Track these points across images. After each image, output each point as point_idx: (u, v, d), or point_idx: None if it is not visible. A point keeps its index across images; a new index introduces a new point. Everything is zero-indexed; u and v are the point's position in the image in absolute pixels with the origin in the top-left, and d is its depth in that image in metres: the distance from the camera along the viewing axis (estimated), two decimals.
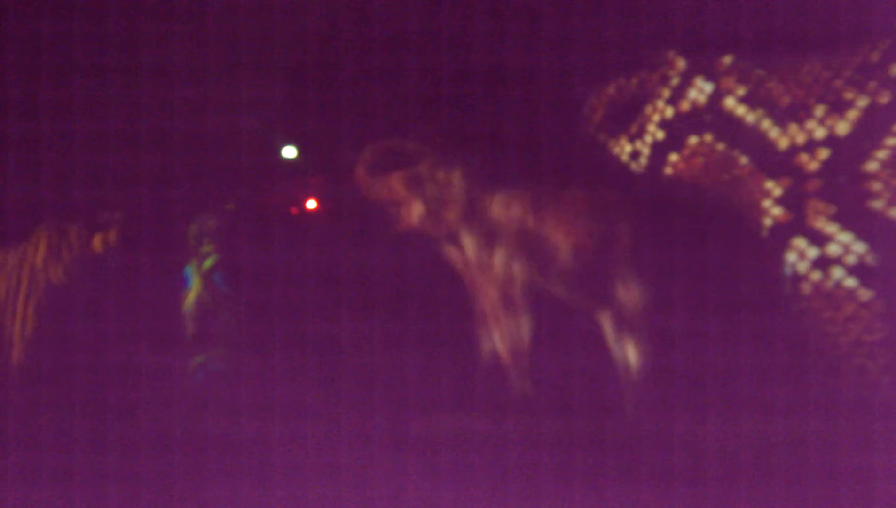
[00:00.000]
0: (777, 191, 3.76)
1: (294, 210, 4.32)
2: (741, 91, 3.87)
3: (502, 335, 3.87)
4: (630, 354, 3.77)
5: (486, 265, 3.90)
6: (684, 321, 3.68)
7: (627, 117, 4.09)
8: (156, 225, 4.05)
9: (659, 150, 4.00)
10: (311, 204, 4.33)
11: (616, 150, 4.10)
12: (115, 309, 3.94)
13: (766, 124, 3.80)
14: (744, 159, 3.83)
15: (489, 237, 3.90)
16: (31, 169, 4.16)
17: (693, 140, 3.93)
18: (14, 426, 3.60)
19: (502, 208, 3.90)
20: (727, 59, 3.91)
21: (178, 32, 4.16)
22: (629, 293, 3.77)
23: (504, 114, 4.10)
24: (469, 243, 3.93)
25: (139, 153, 4.06)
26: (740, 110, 3.85)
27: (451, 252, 4.00)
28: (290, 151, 4.40)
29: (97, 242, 4.00)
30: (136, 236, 4.02)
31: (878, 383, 3.54)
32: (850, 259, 3.61)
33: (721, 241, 3.77)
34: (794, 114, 3.76)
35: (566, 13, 4.12)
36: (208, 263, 4.01)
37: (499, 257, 3.88)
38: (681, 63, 3.99)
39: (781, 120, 3.78)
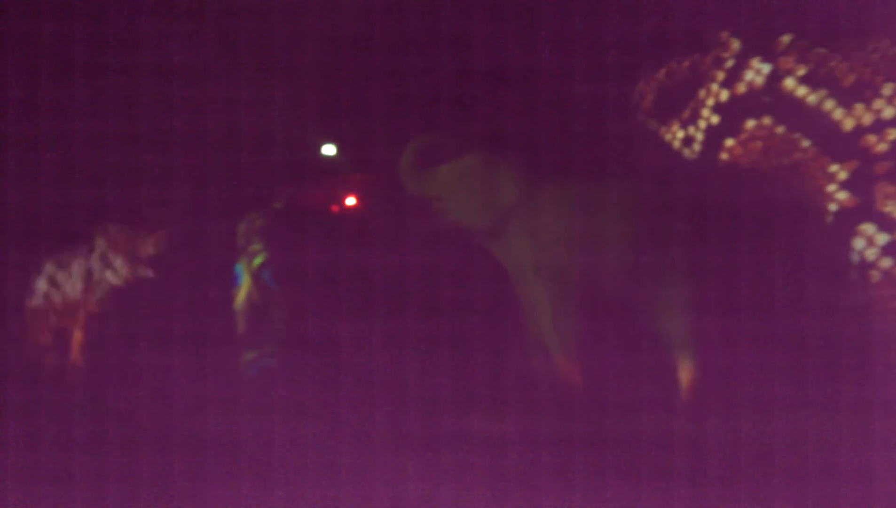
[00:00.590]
0: (842, 175, 3.65)
1: (334, 208, 4.34)
2: (801, 71, 3.75)
3: (547, 333, 3.80)
4: (682, 353, 3.68)
5: (531, 262, 3.84)
6: (746, 321, 3.60)
7: (679, 103, 3.98)
8: (207, 225, 4.11)
9: (714, 135, 3.89)
10: (351, 201, 4.35)
11: (667, 137, 4.01)
12: (174, 308, 4.00)
13: (830, 105, 3.68)
14: (806, 142, 3.73)
15: (534, 233, 3.84)
16: (31, 169, 4.17)
17: (750, 124, 3.81)
18: (81, 426, 3.61)
19: (548, 203, 3.85)
20: (785, 39, 3.80)
21: (206, 32, 4.19)
22: (684, 290, 3.69)
23: (543, 108, 4.06)
24: (514, 239, 3.87)
25: (198, 154, 4.12)
26: (801, 91, 3.74)
27: (493, 248, 3.97)
28: (329, 149, 4.42)
29: (152, 243, 4.06)
30: (189, 236, 4.09)
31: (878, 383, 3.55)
32: None
33: (783, 229, 3.68)
34: (859, 93, 3.66)
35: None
36: (257, 261, 4.05)
37: (544, 253, 3.81)
38: (735, 44, 3.87)
39: (846, 100, 3.67)
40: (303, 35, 4.27)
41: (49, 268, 4.19)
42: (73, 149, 4.07)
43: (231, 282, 4.12)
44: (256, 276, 4.06)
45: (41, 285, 4.18)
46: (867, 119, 3.65)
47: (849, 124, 3.66)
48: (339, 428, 3.64)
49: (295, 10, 4.25)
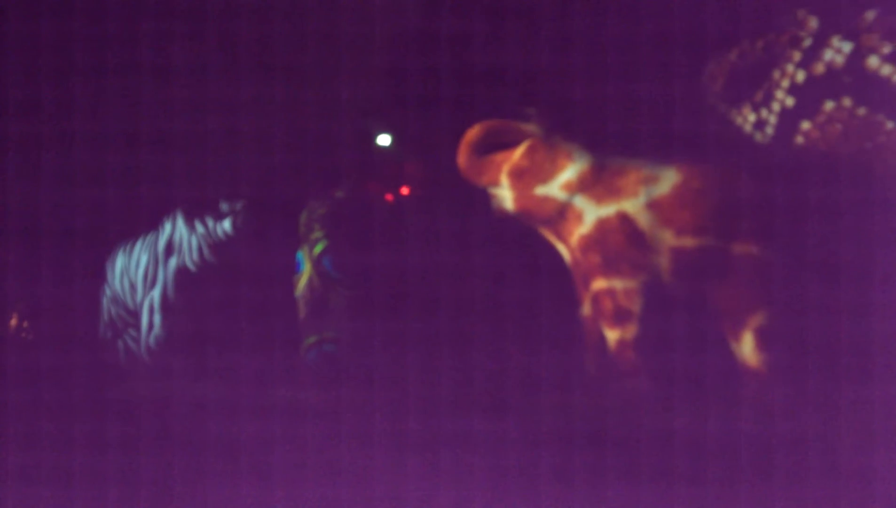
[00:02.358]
0: None
1: (389, 197, 4.36)
2: (886, 49, 3.59)
3: (608, 327, 3.72)
4: (748, 352, 3.58)
5: (593, 251, 3.74)
6: (819, 320, 3.53)
7: (752, 84, 3.83)
8: (273, 213, 4.18)
9: (788, 117, 3.73)
10: (405, 191, 4.37)
11: (739, 120, 3.86)
12: (243, 295, 4.05)
13: None
14: (890, 124, 3.59)
15: (599, 221, 3.74)
16: (32, 168, 4.17)
17: (829, 105, 3.65)
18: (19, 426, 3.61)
19: (611, 190, 3.75)
20: (869, 15, 3.63)
21: (277, 29, 4.24)
22: (752, 280, 3.57)
23: (607, 89, 4.01)
24: (575, 227, 3.79)
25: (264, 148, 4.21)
26: (886, 70, 3.58)
27: (552, 239, 3.89)
28: (385, 140, 4.44)
29: (221, 230, 4.14)
30: (256, 223, 4.16)
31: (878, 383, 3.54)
32: None
33: (864, 217, 3.57)
34: None
35: None
36: (318, 248, 4.10)
37: (609, 242, 3.71)
38: (813, 22, 3.73)
39: None
40: (367, 31, 4.31)
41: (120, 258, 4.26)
42: (73, 149, 4.08)
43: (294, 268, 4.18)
44: (317, 263, 4.11)
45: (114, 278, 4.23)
46: None
47: None
48: (338, 428, 3.64)
49: (361, 6, 4.31)
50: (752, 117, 3.84)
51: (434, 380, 3.83)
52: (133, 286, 4.24)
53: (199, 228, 4.16)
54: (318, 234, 4.16)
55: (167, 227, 4.24)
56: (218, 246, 4.16)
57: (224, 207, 4.17)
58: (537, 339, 3.90)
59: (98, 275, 4.28)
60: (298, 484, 3.37)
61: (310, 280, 4.17)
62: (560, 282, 3.88)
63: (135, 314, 4.24)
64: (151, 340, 4.17)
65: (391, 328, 4.01)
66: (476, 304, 4.02)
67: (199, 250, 4.16)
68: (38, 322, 4.19)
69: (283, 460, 3.50)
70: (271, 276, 4.17)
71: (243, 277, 4.12)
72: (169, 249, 4.20)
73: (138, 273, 4.24)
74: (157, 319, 4.16)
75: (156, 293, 4.18)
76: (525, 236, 3.99)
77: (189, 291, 4.18)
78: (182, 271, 4.18)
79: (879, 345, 3.53)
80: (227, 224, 4.14)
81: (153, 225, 4.28)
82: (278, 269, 4.20)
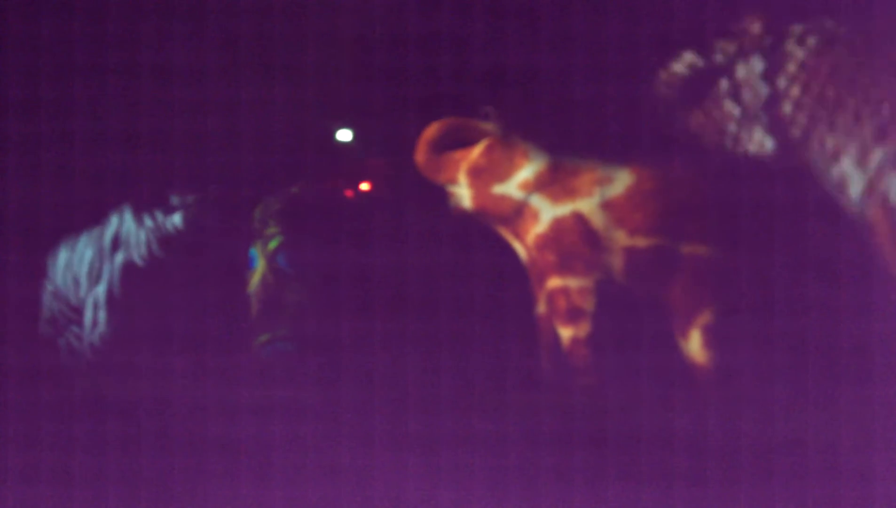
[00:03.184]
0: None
1: (349, 193, 4.35)
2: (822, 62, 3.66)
3: (562, 325, 3.80)
4: (695, 349, 3.68)
5: (549, 250, 3.83)
6: (784, 320, 3.61)
7: (702, 89, 3.90)
8: (224, 208, 4.12)
9: (736, 122, 3.82)
10: (365, 187, 4.35)
11: (692, 124, 3.93)
12: (186, 288, 4.02)
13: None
14: (827, 126, 3.63)
15: (555, 221, 3.83)
16: (31, 168, 4.17)
17: (770, 110, 3.74)
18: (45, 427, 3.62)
19: (567, 190, 3.83)
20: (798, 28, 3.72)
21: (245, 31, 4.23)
22: (700, 279, 3.68)
23: (570, 90, 4.05)
24: (531, 226, 3.86)
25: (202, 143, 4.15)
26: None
27: (509, 237, 3.94)
28: (345, 135, 4.42)
29: (171, 224, 4.05)
30: (206, 218, 4.08)
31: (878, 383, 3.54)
32: None
33: (808, 217, 3.66)
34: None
35: None
36: (273, 244, 4.06)
37: (564, 241, 3.80)
38: (757, 28, 3.78)
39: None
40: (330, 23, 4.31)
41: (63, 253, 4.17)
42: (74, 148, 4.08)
43: (243, 272, 4.14)
44: (271, 259, 4.08)
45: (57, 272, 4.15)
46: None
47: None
48: (339, 428, 3.64)
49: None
50: (702, 121, 3.90)
51: (400, 378, 3.86)
52: (77, 282, 4.11)
53: (148, 222, 4.03)
54: (272, 229, 4.11)
55: (114, 220, 4.11)
56: (168, 241, 4.04)
57: (175, 200, 4.06)
58: (499, 337, 3.94)
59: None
60: (298, 484, 3.37)
61: (263, 277, 4.10)
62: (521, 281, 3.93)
63: (78, 311, 4.12)
64: (96, 337, 4.06)
65: (350, 327, 4.00)
66: (438, 302, 4.02)
67: (148, 244, 4.04)
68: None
69: (253, 460, 3.51)
70: (223, 272, 4.12)
71: (194, 273, 4.04)
72: (115, 243, 4.07)
73: (82, 268, 4.10)
74: (101, 315, 4.05)
75: (101, 289, 4.05)
76: (485, 234, 4.02)
77: (136, 286, 4.07)
78: (129, 266, 4.05)
79: (826, 343, 3.58)
80: (177, 218, 4.02)
81: (99, 220, 4.19)
82: (231, 265, 4.14)
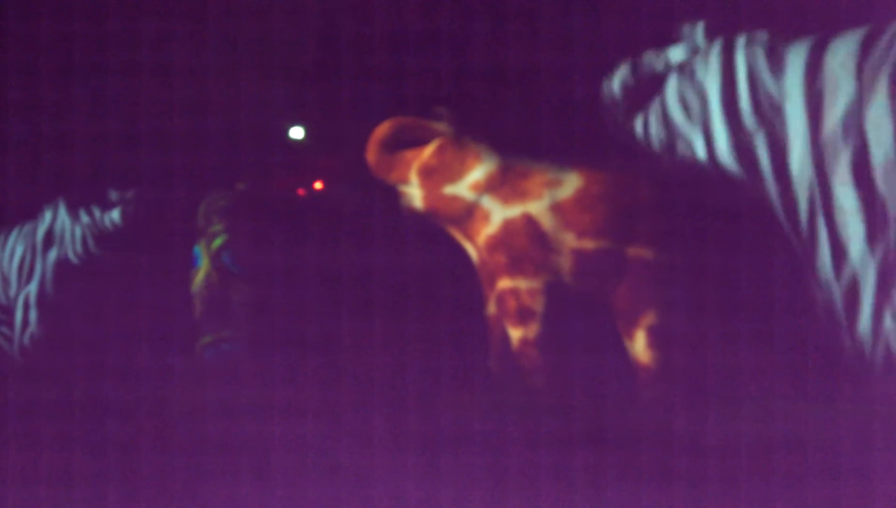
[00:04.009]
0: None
1: (301, 191, 4.32)
2: (764, 63, 3.71)
3: (512, 326, 3.84)
4: (640, 350, 3.76)
5: (499, 251, 3.87)
6: (715, 319, 3.68)
7: (647, 94, 3.99)
8: (165, 206, 4.08)
9: (680, 127, 3.90)
10: (318, 186, 4.33)
11: (636, 128, 4.02)
12: (123, 288, 3.96)
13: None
14: (766, 136, 3.70)
15: (506, 222, 3.87)
16: (31, 169, 4.16)
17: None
18: (14, 426, 3.61)
19: (517, 192, 3.87)
20: (745, 35, 3.77)
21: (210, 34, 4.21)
22: (644, 281, 3.77)
23: (513, 92, 4.09)
24: (482, 227, 3.90)
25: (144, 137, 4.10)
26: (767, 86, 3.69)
27: (460, 238, 3.98)
28: (296, 132, 4.40)
29: (109, 220, 3.97)
30: (149, 214, 4.04)
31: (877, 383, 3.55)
32: None
33: (753, 221, 3.71)
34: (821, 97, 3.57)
35: None
36: (217, 242, 4.02)
37: (514, 243, 3.85)
38: (699, 36, 3.88)
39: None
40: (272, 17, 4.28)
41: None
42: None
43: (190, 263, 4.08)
44: (216, 258, 4.01)
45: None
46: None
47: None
48: (339, 428, 3.64)
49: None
50: (645, 125, 3.99)
51: (334, 379, 3.87)
52: (6, 280, 4.00)
53: (84, 217, 3.90)
54: (217, 227, 4.05)
55: (47, 216, 3.98)
56: (105, 237, 3.93)
57: (113, 196, 3.95)
58: (435, 338, 3.95)
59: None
60: (298, 484, 3.37)
61: (207, 276, 4.05)
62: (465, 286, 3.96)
63: (8, 311, 4.01)
64: (26, 338, 3.96)
65: (295, 328, 3.99)
66: (379, 302, 4.03)
67: (84, 241, 3.90)
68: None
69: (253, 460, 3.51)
70: (164, 270, 4.07)
71: (133, 271, 3.96)
72: (48, 239, 3.94)
73: (12, 266, 3.99)
74: (32, 315, 3.95)
75: (32, 288, 3.94)
76: (436, 234, 4.02)
77: (70, 285, 3.96)
78: (63, 264, 3.94)
79: (771, 342, 3.67)
80: (115, 214, 3.91)
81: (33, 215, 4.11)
82: (173, 263, 4.07)
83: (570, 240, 3.82)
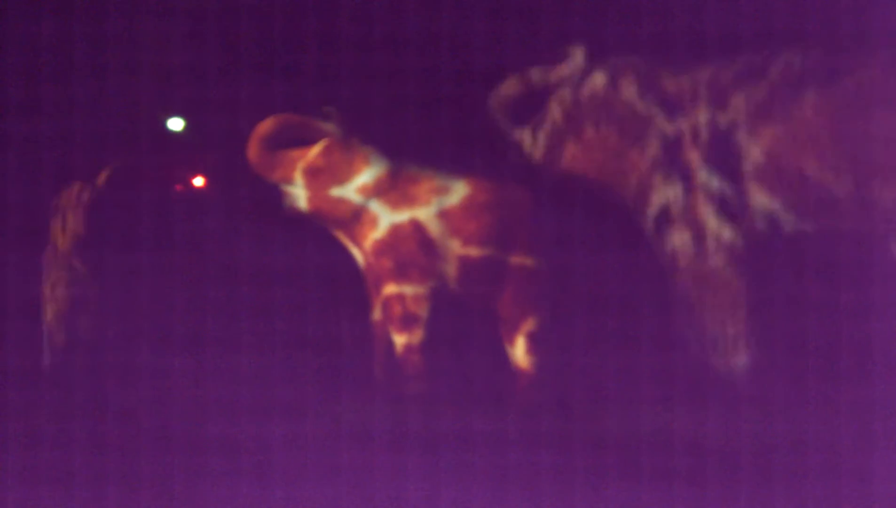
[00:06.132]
0: (664, 182, 3.86)
1: (179, 187, 4.25)
2: (633, 86, 3.94)
3: (396, 331, 3.88)
4: (520, 355, 3.86)
5: (386, 256, 3.89)
6: (583, 319, 3.83)
7: (531, 109, 4.11)
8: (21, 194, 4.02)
9: (559, 140, 4.06)
10: (199, 182, 4.26)
11: (520, 141, 4.14)
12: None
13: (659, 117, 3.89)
14: (634, 151, 3.92)
15: (393, 227, 3.89)
16: (31, 168, 4.16)
17: (590, 131, 4.00)
18: (14, 426, 3.61)
19: (406, 197, 3.90)
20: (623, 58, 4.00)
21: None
22: (525, 289, 3.86)
23: (408, 99, 4.12)
24: (369, 231, 3.90)
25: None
26: (637, 105, 3.93)
27: (346, 242, 3.97)
28: (176, 123, 4.33)
29: None
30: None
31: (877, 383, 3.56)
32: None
33: (615, 231, 3.89)
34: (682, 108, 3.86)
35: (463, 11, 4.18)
36: (68, 241, 3.94)
37: (401, 248, 3.88)
38: (579, 56, 4.05)
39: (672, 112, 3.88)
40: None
41: None
42: None
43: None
44: (66, 256, 3.95)
45: None
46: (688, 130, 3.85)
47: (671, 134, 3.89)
48: (339, 428, 3.64)
49: None
50: (530, 139, 4.12)
51: (200, 381, 3.86)
52: None
53: None
54: (70, 221, 3.97)
55: None
56: None
57: None
58: (302, 340, 3.97)
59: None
60: (298, 484, 3.37)
61: (57, 275, 3.99)
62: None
63: None
64: None
65: (155, 329, 3.97)
66: (245, 303, 4.01)
67: None
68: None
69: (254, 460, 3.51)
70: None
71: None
72: None
73: None
74: None
75: None
76: (320, 236, 4.01)
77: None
78: None
79: (643, 342, 3.83)
80: None
81: None
82: (19, 262, 4.04)
83: (456, 247, 3.89)
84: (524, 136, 4.10)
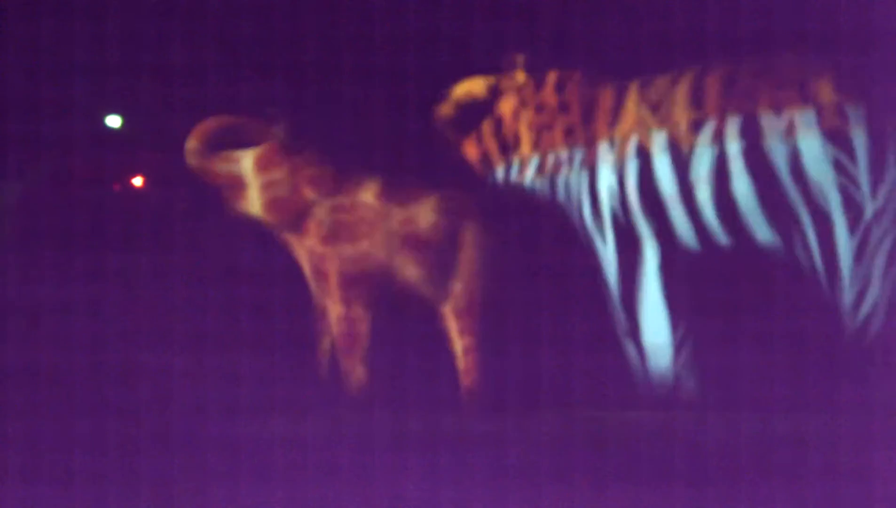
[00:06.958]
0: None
1: (116, 186, 4.20)
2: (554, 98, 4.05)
3: (341, 329, 3.84)
4: (461, 353, 3.85)
5: (329, 256, 3.84)
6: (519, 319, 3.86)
7: (477, 118, 4.15)
8: None
9: (504, 149, 4.13)
10: (138, 181, 4.21)
11: (464, 149, 4.20)
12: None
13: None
14: (573, 155, 3.99)
15: (334, 227, 3.85)
16: (31, 169, 4.15)
17: (533, 137, 4.08)
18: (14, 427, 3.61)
19: (351, 198, 3.86)
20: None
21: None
22: (470, 291, 3.84)
23: (344, 101, 4.14)
24: (312, 232, 3.86)
25: None
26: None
27: (290, 241, 3.95)
28: (114, 121, 4.27)
29: None
30: None
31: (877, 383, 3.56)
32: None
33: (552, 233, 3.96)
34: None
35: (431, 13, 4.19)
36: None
37: (343, 248, 3.84)
38: (521, 62, 4.11)
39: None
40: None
41: None
42: None
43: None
44: None
45: None
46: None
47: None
48: (339, 428, 3.65)
49: None
50: (476, 150, 4.18)
51: (135, 381, 3.85)
52: None
53: None
54: (6, 223, 3.94)
55: None
56: None
57: None
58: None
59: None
60: (298, 484, 3.37)
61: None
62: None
63: None
64: None
65: (87, 329, 3.95)
66: (179, 304, 4.01)
67: None
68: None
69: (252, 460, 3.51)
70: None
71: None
72: None
73: None
74: None
75: None
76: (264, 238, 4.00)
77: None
78: None
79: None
80: None
81: None
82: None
83: (402, 251, 3.84)
84: (471, 144, 4.16)
